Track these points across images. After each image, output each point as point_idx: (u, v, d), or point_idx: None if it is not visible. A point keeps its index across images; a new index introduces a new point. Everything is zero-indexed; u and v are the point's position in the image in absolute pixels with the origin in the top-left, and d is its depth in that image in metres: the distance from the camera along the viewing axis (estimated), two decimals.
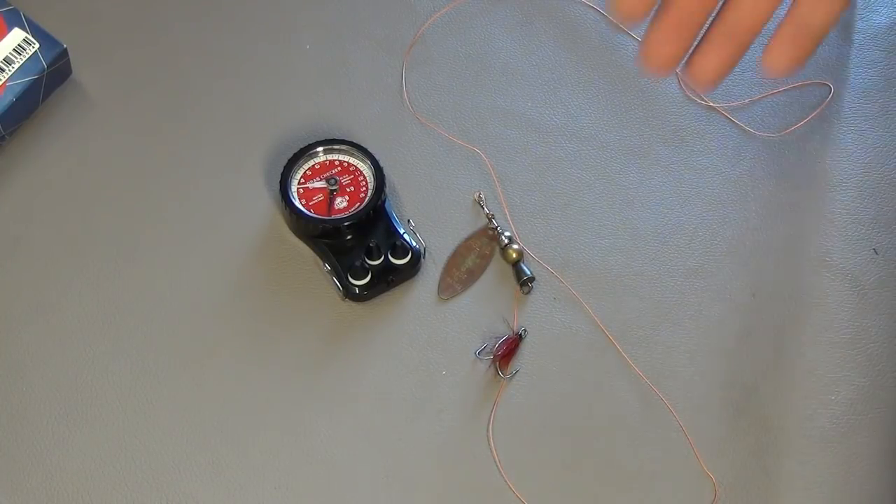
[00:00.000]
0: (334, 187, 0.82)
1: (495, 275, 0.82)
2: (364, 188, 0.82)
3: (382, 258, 0.80)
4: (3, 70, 0.82)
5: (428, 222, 0.84)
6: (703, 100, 0.89)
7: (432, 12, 0.91)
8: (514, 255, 0.82)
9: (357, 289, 0.79)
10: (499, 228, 0.83)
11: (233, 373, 0.78)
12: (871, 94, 0.90)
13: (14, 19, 0.84)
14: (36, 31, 0.84)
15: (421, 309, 0.81)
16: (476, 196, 0.85)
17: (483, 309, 0.81)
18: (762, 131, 0.88)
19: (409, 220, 0.83)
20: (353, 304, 0.81)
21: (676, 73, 0.89)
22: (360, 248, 0.80)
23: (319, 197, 0.81)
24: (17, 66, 0.82)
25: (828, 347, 0.80)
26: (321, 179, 0.82)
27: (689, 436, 0.78)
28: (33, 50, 0.83)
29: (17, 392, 0.77)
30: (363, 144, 0.83)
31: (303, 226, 0.81)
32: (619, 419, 0.78)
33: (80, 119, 0.86)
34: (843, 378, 0.80)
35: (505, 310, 0.81)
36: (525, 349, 0.80)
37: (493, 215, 0.84)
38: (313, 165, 0.83)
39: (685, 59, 0.53)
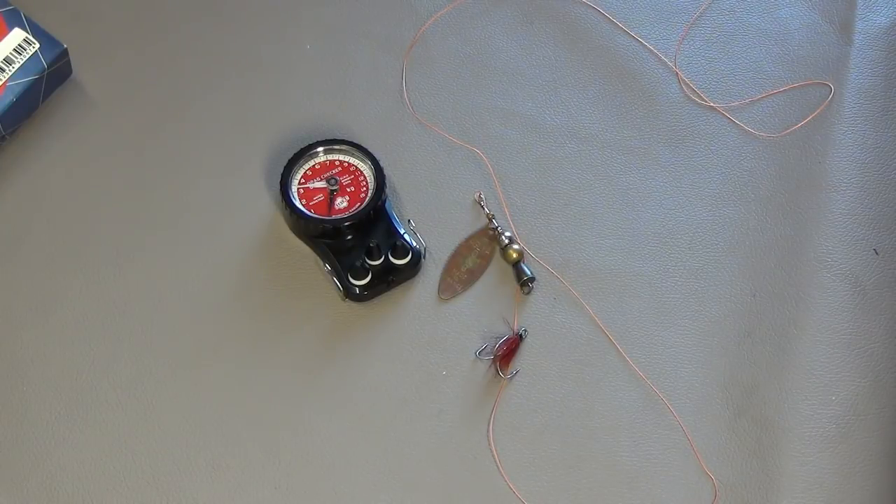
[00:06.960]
0: (334, 187, 0.82)
1: (495, 275, 0.82)
2: (364, 188, 0.82)
3: (383, 258, 0.80)
4: (3, 70, 0.82)
5: (428, 222, 0.84)
6: (703, 100, 0.89)
7: (433, 12, 0.91)
8: (515, 256, 0.82)
9: (357, 289, 0.79)
10: (499, 228, 0.83)
11: (233, 373, 0.78)
12: (872, 94, 0.89)
13: (14, 19, 0.84)
14: (36, 31, 0.84)
15: (421, 309, 0.81)
16: (476, 196, 0.85)
17: (483, 309, 0.81)
18: (762, 131, 0.88)
19: (409, 220, 0.83)
20: (353, 304, 0.81)
21: (676, 72, 0.89)
22: (361, 248, 0.80)
23: (320, 197, 0.81)
24: (17, 66, 0.82)
25: (828, 347, 0.80)
26: (321, 179, 0.82)
27: (689, 436, 0.78)
28: (33, 50, 0.83)
29: (17, 392, 0.77)
30: (363, 144, 0.83)
31: (303, 226, 0.81)
32: (619, 419, 0.78)
33: (80, 119, 0.86)
34: (843, 378, 0.79)
35: (505, 310, 0.81)
36: (525, 349, 0.80)
37: (493, 215, 0.84)
38: (313, 165, 0.82)
39: None
